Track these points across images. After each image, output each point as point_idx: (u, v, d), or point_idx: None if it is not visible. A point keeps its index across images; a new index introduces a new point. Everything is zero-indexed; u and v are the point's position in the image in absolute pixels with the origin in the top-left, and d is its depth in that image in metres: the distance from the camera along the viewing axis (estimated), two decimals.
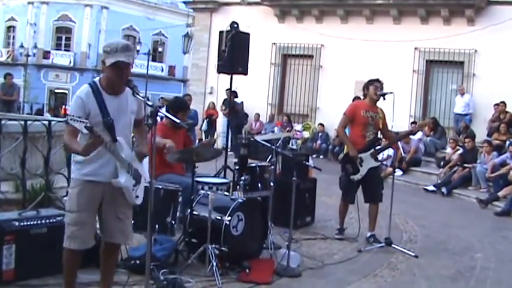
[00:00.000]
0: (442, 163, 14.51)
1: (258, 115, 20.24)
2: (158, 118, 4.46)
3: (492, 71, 16.79)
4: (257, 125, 20.07)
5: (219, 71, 9.55)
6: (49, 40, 41.36)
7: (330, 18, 19.65)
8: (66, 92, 41.10)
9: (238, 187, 6.54)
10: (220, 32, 9.37)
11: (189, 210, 6.06)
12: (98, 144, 3.98)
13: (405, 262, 6.88)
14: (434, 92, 18.39)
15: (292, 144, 18.28)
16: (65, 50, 41.70)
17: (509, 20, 16.42)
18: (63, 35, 41.93)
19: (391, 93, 7.40)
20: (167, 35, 43.35)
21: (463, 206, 11.80)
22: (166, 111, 6.61)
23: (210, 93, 20.95)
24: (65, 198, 6.48)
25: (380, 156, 7.89)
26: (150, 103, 4.11)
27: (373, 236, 7.64)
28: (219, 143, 18.70)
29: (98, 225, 4.48)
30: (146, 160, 4.54)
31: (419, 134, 15.90)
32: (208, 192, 6.15)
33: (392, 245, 7.30)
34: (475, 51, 17.19)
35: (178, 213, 5.89)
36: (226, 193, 6.52)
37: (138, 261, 5.42)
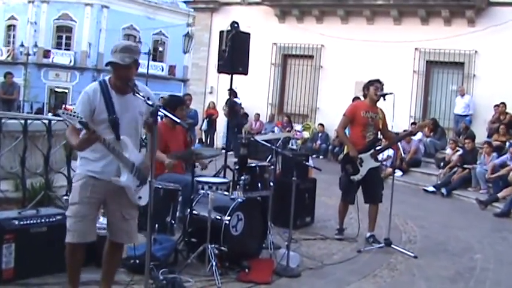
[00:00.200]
0: (441, 164, 14.51)
1: (258, 115, 20.24)
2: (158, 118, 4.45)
3: (492, 72, 16.78)
4: (257, 125, 20.08)
5: (220, 71, 9.57)
6: (49, 39, 41.39)
7: (331, 19, 19.65)
8: (66, 91, 41.16)
9: (238, 187, 6.54)
10: (221, 32, 9.38)
11: (188, 210, 6.06)
12: (92, 139, 3.99)
13: (404, 263, 6.88)
14: (435, 92, 18.38)
15: (292, 145, 18.27)
16: (65, 49, 41.74)
17: (509, 21, 16.41)
18: (63, 34, 41.96)
19: (391, 93, 7.40)
20: (167, 35, 43.39)
21: (463, 207, 11.80)
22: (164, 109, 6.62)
23: (210, 93, 20.96)
24: (65, 197, 6.53)
25: (380, 157, 7.89)
26: (150, 102, 4.12)
27: (372, 237, 7.64)
28: (219, 143, 18.73)
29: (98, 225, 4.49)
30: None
31: (419, 135, 15.90)
32: (208, 192, 6.15)
33: (392, 246, 7.30)
34: (476, 52, 17.18)
35: (178, 213, 5.89)
36: (226, 193, 6.52)
37: (137, 261, 5.41)
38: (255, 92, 19.77)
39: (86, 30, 41.26)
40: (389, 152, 14.27)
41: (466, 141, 14.04)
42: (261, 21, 19.90)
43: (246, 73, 9.45)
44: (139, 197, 4.42)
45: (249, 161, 6.96)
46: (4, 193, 6.73)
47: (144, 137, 4.78)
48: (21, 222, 5.17)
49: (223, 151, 9.78)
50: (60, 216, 5.40)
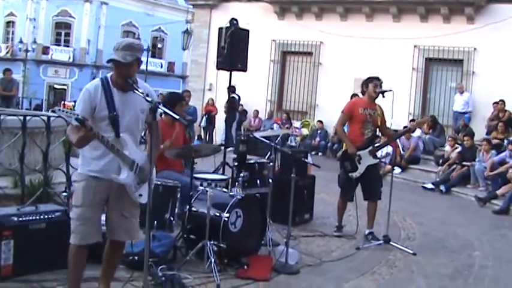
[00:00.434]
0: (440, 161, 14.52)
1: (257, 112, 20.23)
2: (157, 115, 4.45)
3: (491, 69, 16.78)
4: (256, 122, 20.07)
5: (219, 68, 9.56)
6: (48, 35, 41.34)
7: (330, 16, 19.63)
8: (65, 87, 41.12)
9: (236, 184, 6.54)
10: (220, 29, 9.37)
11: (187, 207, 6.06)
12: (90, 137, 3.98)
13: (403, 260, 6.89)
14: (434, 90, 18.38)
15: (291, 141, 18.28)
16: (64, 46, 41.68)
17: (508, 18, 16.40)
18: (62, 31, 41.90)
19: (391, 90, 7.40)
20: (166, 31, 43.32)
21: (462, 204, 11.81)
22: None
23: (209, 89, 20.94)
24: (64, 193, 6.52)
25: (379, 154, 7.89)
26: (149, 99, 4.11)
27: (371, 234, 7.65)
28: (218, 140, 18.72)
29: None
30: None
31: (418, 132, 15.91)
32: (207, 189, 6.16)
33: (391, 243, 7.32)
34: (475, 49, 17.18)
35: (176, 210, 5.90)
36: (224, 189, 6.54)
37: (136, 257, 5.42)
38: (254, 89, 19.76)
39: (85, 27, 41.20)
40: (389, 149, 14.25)
41: (465, 138, 14.05)
42: (260, 18, 19.89)
43: (245, 70, 9.45)
44: (140, 195, 4.41)
45: (248, 157, 6.96)
46: (3, 189, 6.73)
47: (143, 134, 4.77)
48: (20, 219, 5.17)
49: (222, 147, 9.78)
50: (59, 212, 5.41)
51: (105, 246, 4.58)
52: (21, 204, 5.95)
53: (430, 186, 13.43)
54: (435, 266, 6.72)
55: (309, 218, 8.68)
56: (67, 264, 4.36)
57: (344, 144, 7.85)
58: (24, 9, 41.13)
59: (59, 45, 41.75)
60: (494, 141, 13.97)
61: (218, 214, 5.95)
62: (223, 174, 8.14)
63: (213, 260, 5.57)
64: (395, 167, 13.21)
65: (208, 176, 6.91)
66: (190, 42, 24.16)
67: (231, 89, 10.37)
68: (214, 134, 19.78)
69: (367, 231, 7.72)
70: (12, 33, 42.56)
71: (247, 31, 9.51)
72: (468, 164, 13.19)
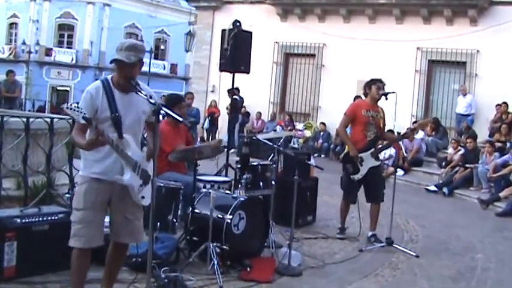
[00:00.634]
0: (443, 163, 14.50)
1: (259, 114, 20.24)
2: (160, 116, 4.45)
3: (494, 71, 16.76)
4: (259, 124, 20.08)
5: (221, 70, 9.56)
6: (51, 37, 41.34)
7: (333, 18, 19.65)
8: (68, 89, 41.12)
9: (239, 185, 6.53)
10: (223, 31, 9.37)
11: (190, 209, 6.06)
12: (102, 140, 3.98)
13: (406, 262, 6.89)
14: (436, 92, 18.37)
15: (293, 143, 18.28)
16: (67, 47, 41.68)
17: (511, 21, 16.39)
18: (65, 32, 41.91)
19: (394, 92, 7.40)
20: (169, 33, 43.35)
21: (465, 207, 11.79)
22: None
23: (212, 91, 20.97)
24: (67, 195, 6.53)
25: (382, 156, 7.89)
26: (152, 101, 4.11)
27: (374, 236, 7.64)
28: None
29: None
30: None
31: (421, 134, 15.90)
32: (210, 191, 6.15)
33: (394, 245, 7.30)
34: (478, 51, 17.16)
35: (179, 211, 5.89)
36: (227, 191, 6.53)
37: (139, 259, 5.41)
38: (257, 91, 19.78)
39: (88, 29, 41.22)
40: (391, 151, 14.27)
41: (468, 140, 14.02)
42: (263, 20, 19.91)
43: (248, 72, 9.45)
44: (143, 197, 4.41)
45: (251, 159, 6.96)
46: (6, 191, 6.72)
47: (145, 135, 4.77)
48: (23, 221, 5.18)
49: (225, 149, 9.78)
50: (62, 214, 5.41)
51: (109, 248, 4.58)
52: (24, 206, 5.95)
53: (433, 188, 13.42)
54: (438, 268, 6.71)
55: (311, 220, 8.68)
56: (70, 266, 4.36)
57: (346, 146, 7.85)
58: (27, 10, 41.15)
59: (62, 46, 41.76)
60: (498, 144, 13.92)
61: (221, 216, 5.94)
62: (226, 176, 8.13)
63: (215, 262, 5.57)
64: (398, 169, 13.20)
65: (211, 178, 6.91)
66: (193, 44, 24.18)
67: (234, 91, 10.38)
68: (217, 135, 19.79)
69: (370, 234, 7.71)
70: (15, 35, 42.58)
71: (250, 33, 9.51)
72: (471, 166, 13.17)
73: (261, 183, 6.77)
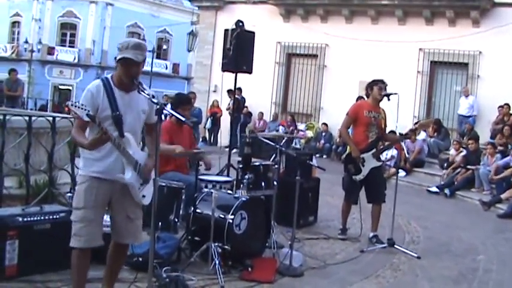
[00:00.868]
0: (445, 164, 14.49)
1: (261, 114, 20.25)
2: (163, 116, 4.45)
3: (496, 72, 16.72)
4: (260, 124, 20.08)
5: (224, 70, 9.55)
6: (54, 36, 41.38)
7: (335, 18, 19.63)
8: (70, 88, 41.14)
9: (241, 186, 6.53)
10: (225, 30, 9.37)
11: (192, 208, 6.07)
12: (105, 139, 3.99)
13: (407, 263, 6.89)
14: (439, 93, 18.34)
15: (295, 144, 18.28)
16: (70, 46, 41.71)
17: None
18: (67, 31, 41.93)
19: (396, 93, 7.40)
20: (172, 33, 43.36)
21: (466, 208, 11.78)
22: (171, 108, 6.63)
23: (214, 91, 20.95)
24: (68, 194, 6.53)
25: (383, 157, 7.89)
26: (155, 100, 4.11)
27: (375, 237, 7.64)
28: (223, 141, 18.70)
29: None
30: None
31: (423, 135, 15.89)
32: (212, 191, 6.16)
33: (395, 246, 7.31)
34: (480, 52, 17.13)
35: (181, 211, 5.89)
36: (229, 191, 6.53)
37: (140, 259, 5.43)
38: (259, 91, 19.78)
39: (90, 28, 41.23)
40: (393, 152, 14.27)
41: (470, 142, 14.00)
42: (265, 20, 19.91)
43: (250, 72, 9.44)
44: (143, 196, 4.41)
45: (253, 159, 6.96)
46: (8, 190, 6.73)
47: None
48: (25, 219, 5.19)
49: (227, 149, 9.79)
50: (64, 213, 5.41)
51: (109, 248, 4.58)
52: (26, 205, 5.96)
53: (434, 189, 13.41)
54: (439, 270, 6.71)
55: (313, 221, 8.68)
56: (71, 266, 4.36)
57: (348, 147, 7.85)
58: (29, 9, 41.18)
59: (64, 45, 41.78)
60: (500, 148, 13.85)
61: (223, 216, 5.95)
62: (228, 176, 8.13)
63: (217, 262, 5.58)
64: (399, 170, 13.17)
65: (213, 178, 6.91)
66: (195, 43, 24.17)
67: (237, 91, 10.37)
68: (219, 135, 19.76)
69: (371, 234, 7.71)
70: (18, 34, 42.60)
71: (253, 33, 9.50)
72: (473, 167, 13.17)
73: (263, 184, 6.77)
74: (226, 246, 5.82)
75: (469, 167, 13.33)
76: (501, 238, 8.95)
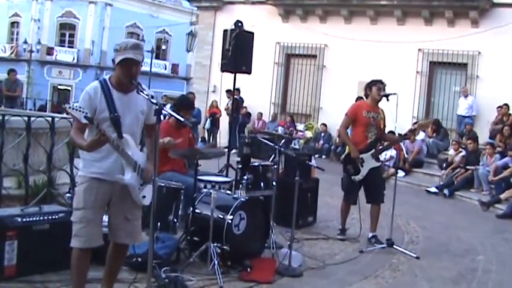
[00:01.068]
0: (444, 165, 14.49)
1: (260, 114, 20.25)
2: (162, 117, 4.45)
3: (496, 73, 16.72)
4: (259, 124, 20.07)
5: (223, 70, 9.54)
6: (53, 36, 41.36)
7: (334, 19, 19.64)
8: (69, 88, 41.14)
9: (240, 186, 6.53)
10: (225, 31, 9.36)
11: (191, 209, 6.06)
12: (103, 141, 3.99)
13: (407, 263, 6.89)
14: (438, 93, 18.34)
15: (294, 144, 18.27)
16: (69, 47, 41.68)
17: None
18: (66, 32, 41.91)
19: (395, 94, 7.40)
20: (171, 33, 43.36)
21: (465, 208, 11.79)
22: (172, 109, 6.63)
23: (213, 91, 20.95)
24: (67, 194, 6.53)
25: (382, 157, 7.89)
26: (154, 101, 4.11)
27: (374, 237, 7.64)
28: (222, 142, 18.71)
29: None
30: None
31: (422, 135, 15.89)
32: (211, 191, 6.15)
33: (394, 246, 7.31)
34: (479, 53, 17.14)
35: (180, 211, 5.89)
36: (228, 192, 6.53)
37: (139, 259, 5.42)
38: (258, 91, 19.78)
39: (89, 28, 41.22)
40: (392, 152, 14.28)
41: (469, 142, 14.01)
42: (264, 21, 19.91)
43: (249, 72, 9.44)
44: (144, 196, 4.41)
45: (252, 160, 6.96)
46: (7, 190, 6.72)
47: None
48: (24, 220, 5.18)
49: (226, 150, 9.78)
50: (63, 213, 5.42)
51: (109, 248, 4.57)
52: (25, 205, 5.95)
53: (433, 189, 13.41)
54: (438, 270, 6.71)
55: (312, 221, 8.68)
56: (70, 266, 4.36)
57: (347, 147, 7.85)
58: (28, 10, 41.15)
59: (63, 46, 41.76)
60: (498, 149, 13.85)
61: (222, 216, 5.95)
62: (227, 176, 8.13)
63: (216, 262, 5.57)
64: (399, 170, 13.19)
65: (212, 178, 6.91)
66: (194, 44, 24.16)
67: (235, 91, 10.37)
68: (218, 136, 19.77)
69: (370, 235, 7.71)
70: (17, 34, 42.59)
71: (252, 33, 9.50)
72: (472, 168, 13.18)
73: (262, 184, 6.77)
74: (225, 247, 5.81)
75: (468, 167, 13.34)
76: (500, 238, 8.95)
